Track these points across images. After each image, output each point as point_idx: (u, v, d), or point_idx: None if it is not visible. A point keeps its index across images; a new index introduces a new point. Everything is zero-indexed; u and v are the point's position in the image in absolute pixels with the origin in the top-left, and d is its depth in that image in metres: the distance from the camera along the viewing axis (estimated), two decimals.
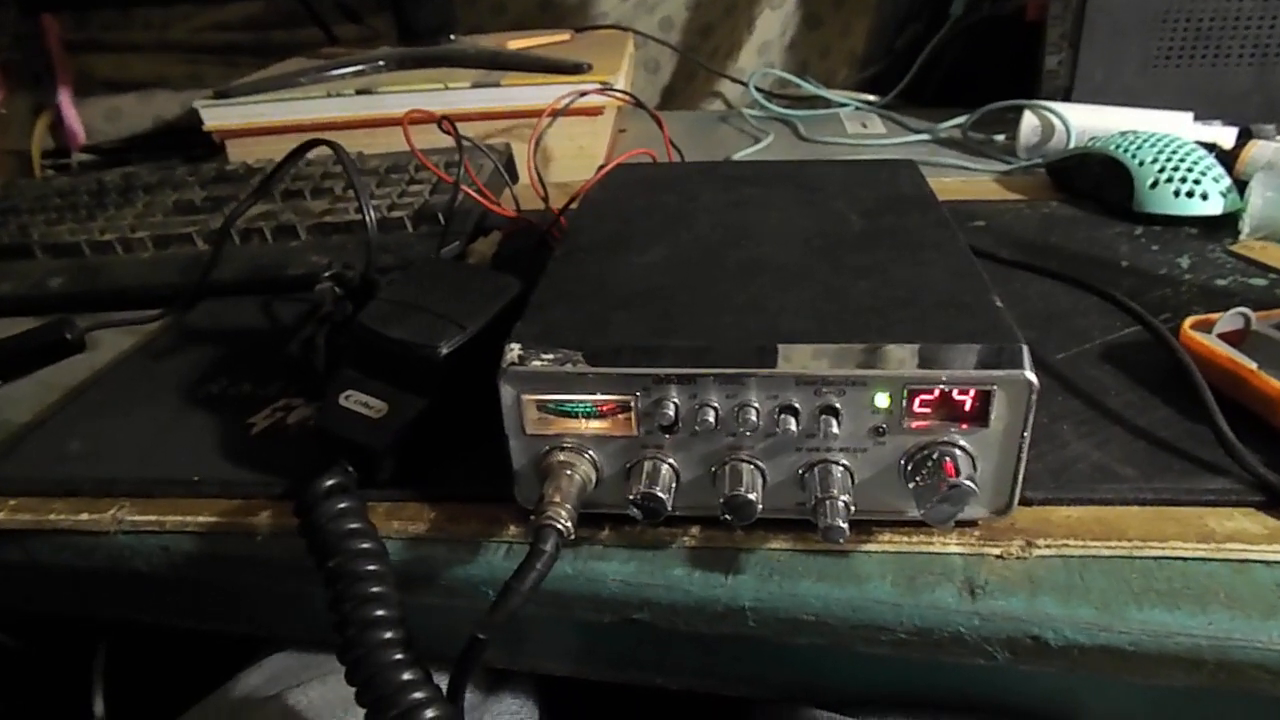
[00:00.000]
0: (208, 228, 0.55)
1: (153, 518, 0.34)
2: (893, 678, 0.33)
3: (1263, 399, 0.33)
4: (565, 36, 0.84)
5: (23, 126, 0.91)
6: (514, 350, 0.29)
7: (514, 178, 0.63)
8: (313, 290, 0.42)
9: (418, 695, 0.27)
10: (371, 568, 0.30)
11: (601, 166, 0.45)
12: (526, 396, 0.29)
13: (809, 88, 0.86)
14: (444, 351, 0.33)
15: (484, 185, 0.53)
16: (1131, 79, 0.69)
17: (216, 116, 0.69)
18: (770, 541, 0.30)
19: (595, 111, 0.66)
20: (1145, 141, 0.56)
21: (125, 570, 0.35)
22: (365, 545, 0.30)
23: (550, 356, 0.29)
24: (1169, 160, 0.54)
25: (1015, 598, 0.28)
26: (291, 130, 0.69)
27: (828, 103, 0.85)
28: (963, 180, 0.65)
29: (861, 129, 0.79)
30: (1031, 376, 0.27)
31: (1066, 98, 0.71)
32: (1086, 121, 0.65)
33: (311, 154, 0.46)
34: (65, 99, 0.90)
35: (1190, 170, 0.53)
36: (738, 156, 0.71)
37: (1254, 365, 0.34)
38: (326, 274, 0.40)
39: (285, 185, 0.59)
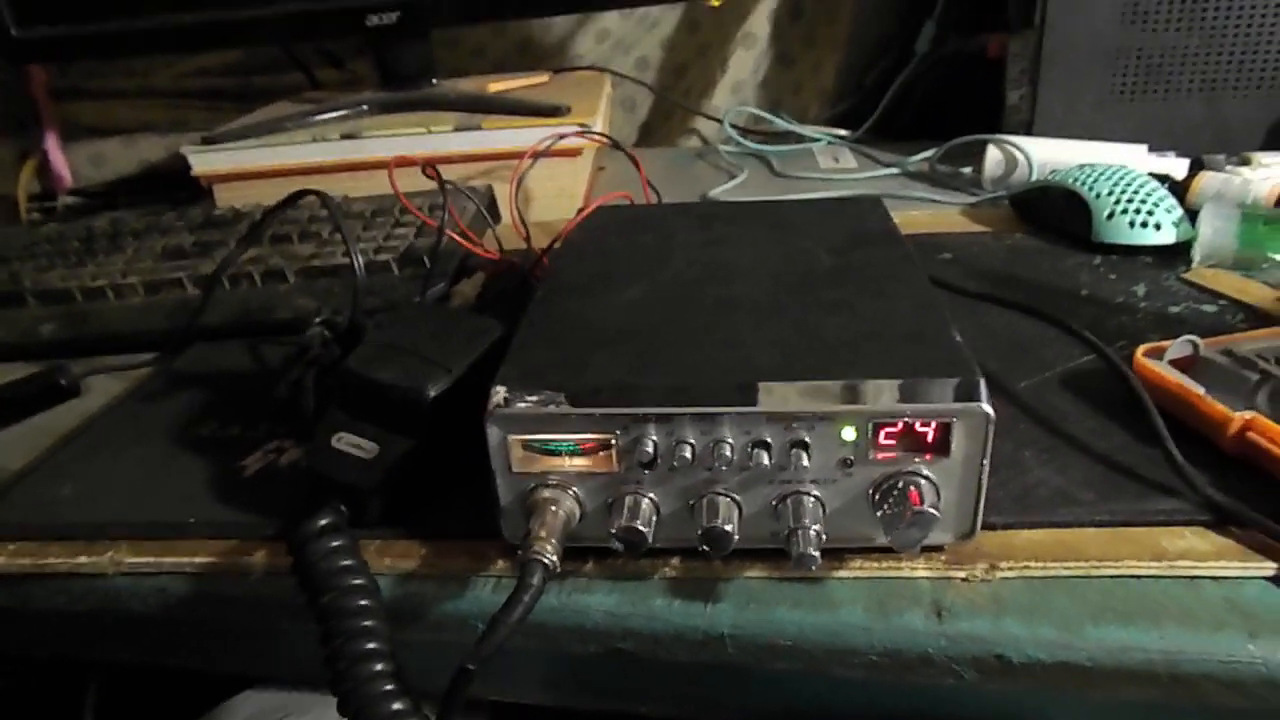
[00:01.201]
0: (197, 272, 0.56)
1: (149, 559, 0.35)
2: (868, 700, 0.34)
3: (1209, 423, 0.35)
4: (544, 78, 0.86)
5: (9, 172, 0.92)
6: (500, 393, 0.30)
7: (496, 218, 0.64)
8: (301, 334, 0.44)
9: None
10: (363, 603, 0.31)
11: (581, 209, 0.47)
12: (512, 436, 0.30)
13: (782, 124, 0.88)
14: (431, 394, 0.34)
15: (467, 227, 0.55)
16: (1089, 113, 0.72)
17: (204, 162, 0.70)
18: (747, 570, 0.32)
19: (574, 153, 0.68)
20: (1102, 174, 0.58)
21: (120, 612, 0.36)
22: (357, 581, 0.31)
23: (534, 398, 0.30)
24: (1124, 192, 0.57)
25: (980, 619, 0.29)
26: (278, 174, 0.70)
27: (800, 138, 0.88)
28: (931, 213, 0.67)
29: (834, 163, 0.82)
30: (988, 409, 0.29)
31: (1028, 131, 0.74)
32: (1047, 154, 0.68)
33: (299, 201, 0.47)
34: (52, 144, 0.91)
35: (1144, 202, 0.56)
36: (714, 193, 0.74)
37: (1201, 390, 0.36)
38: (318, 319, 0.41)
39: (273, 230, 0.60)
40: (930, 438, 0.29)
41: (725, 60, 0.93)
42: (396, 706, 0.28)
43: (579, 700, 0.38)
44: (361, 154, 0.69)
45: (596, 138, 0.66)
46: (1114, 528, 0.32)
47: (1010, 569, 0.31)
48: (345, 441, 0.35)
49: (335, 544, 0.32)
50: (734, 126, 0.88)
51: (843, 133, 0.89)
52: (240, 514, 0.37)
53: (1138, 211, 0.55)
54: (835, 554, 0.32)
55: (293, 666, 0.40)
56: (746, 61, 0.93)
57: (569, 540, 0.31)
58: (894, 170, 0.78)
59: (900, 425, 0.29)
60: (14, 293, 0.55)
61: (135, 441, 0.43)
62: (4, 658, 0.42)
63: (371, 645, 0.29)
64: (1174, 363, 0.38)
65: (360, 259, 0.41)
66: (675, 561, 0.32)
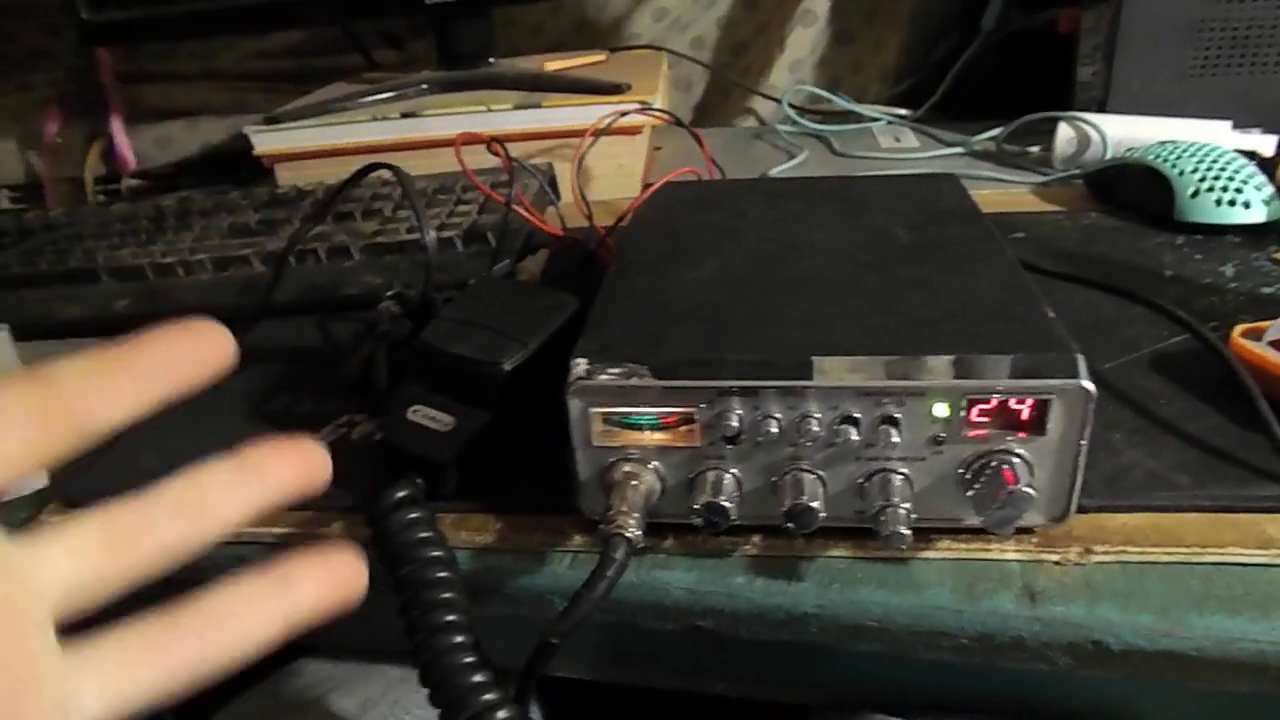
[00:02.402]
0: (263, 249, 0.56)
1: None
2: (949, 682, 0.33)
3: None
4: (601, 57, 0.86)
5: (76, 154, 0.95)
6: (581, 365, 0.30)
7: (556, 196, 0.64)
8: (372, 309, 0.44)
9: (489, 696, 0.28)
10: (442, 575, 0.31)
11: (648, 185, 0.46)
12: (593, 410, 0.30)
13: (841, 103, 0.86)
14: (507, 367, 0.34)
15: (530, 204, 0.55)
16: (1167, 88, 0.70)
17: (267, 142, 0.71)
18: (830, 549, 0.31)
19: (634, 131, 0.67)
20: (1184, 151, 0.56)
21: (201, 580, 0.36)
22: (436, 554, 0.31)
23: (616, 370, 0.30)
24: (1209, 169, 0.54)
25: (1075, 603, 0.28)
26: (338, 154, 0.71)
27: (860, 118, 0.86)
28: (1000, 192, 0.65)
29: (895, 143, 0.80)
30: (1088, 385, 0.28)
31: (1101, 108, 0.71)
32: (1123, 132, 0.65)
33: (366, 177, 0.47)
34: (117, 127, 0.93)
35: (1231, 179, 0.54)
36: (774, 172, 0.72)
37: None
38: (389, 294, 0.41)
39: (337, 207, 0.60)
40: (1025, 415, 0.28)
41: (783, 39, 0.91)
42: (478, 679, 0.28)
43: (650, 678, 0.37)
44: (421, 132, 0.69)
45: (658, 115, 0.65)
46: (1214, 513, 0.31)
47: (1106, 553, 0.30)
48: (421, 414, 0.35)
49: (414, 516, 0.32)
50: (792, 106, 0.87)
51: (903, 112, 0.87)
52: None
53: (1225, 189, 0.53)
54: (922, 534, 0.31)
55: (359, 635, 0.41)
56: (805, 40, 0.91)
57: (649, 516, 0.30)
58: (958, 150, 0.76)
59: (994, 402, 0.28)
60: (89, 269, 0.57)
61: (210, 414, 0.43)
62: (84, 624, 0.43)
63: (451, 617, 0.29)
64: (1274, 343, 0.37)
65: (433, 235, 0.40)
66: (756, 539, 0.32)
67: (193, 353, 0.24)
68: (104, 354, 0.22)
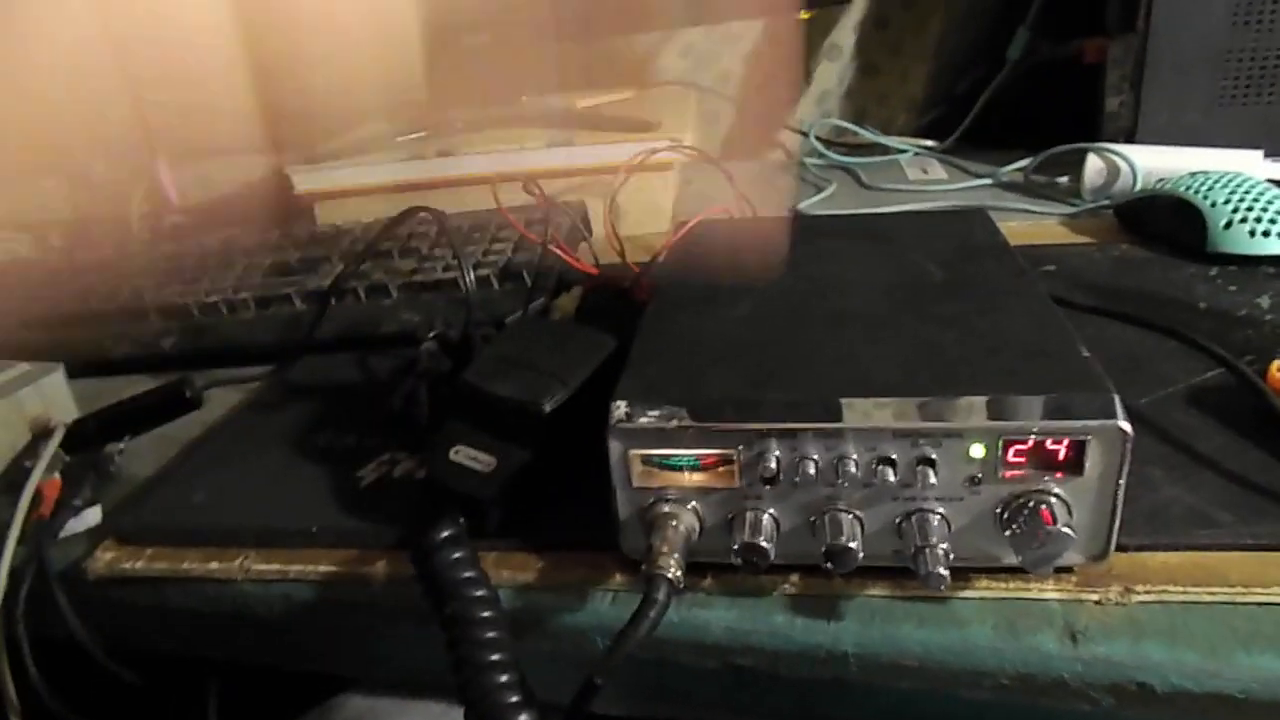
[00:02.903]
0: (304, 288, 0.58)
1: (276, 567, 0.36)
2: None
3: None
4: (630, 94, 0.87)
5: (121, 192, 0.98)
6: (621, 408, 0.31)
7: (589, 233, 0.65)
8: (410, 345, 0.45)
9: None
10: (487, 614, 0.31)
11: (682, 223, 0.47)
12: (633, 451, 0.30)
13: (868, 135, 0.87)
14: (548, 408, 0.35)
15: (563, 241, 0.56)
16: (1196, 118, 0.70)
17: (308, 182, 0.73)
18: (869, 588, 0.31)
19: (665, 167, 0.69)
20: (1216, 181, 0.56)
21: (247, 616, 0.37)
22: (480, 593, 0.32)
23: (656, 413, 0.30)
24: (1242, 200, 0.54)
25: (1117, 643, 0.28)
26: (376, 192, 0.72)
27: (886, 149, 0.87)
28: (1029, 224, 0.66)
29: (922, 174, 0.80)
30: (1125, 425, 0.28)
31: (1130, 139, 0.72)
32: (1153, 162, 0.65)
33: (408, 219, 0.49)
34: (161, 165, 0.96)
35: (1265, 209, 0.53)
36: (803, 206, 0.73)
37: None
38: (431, 334, 0.42)
39: (375, 247, 0.62)
40: (1062, 455, 0.29)
41: (809, 72, 0.92)
42: (524, 718, 0.28)
43: (686, 713, 0.37)
44: (456, 170, 0.71)
45: (690, 151, 0.66)
46: (1259, 552, 0.31)
47: (1148, 592, 0.30)
48: (463, 454, 0.36)
49: (458, 555, 0.33)
50: (819, 139, 0.88)
51: (930, 143, 0.88)
52: (358, 522, 0.38)
53: (1259, 220, 0.53)
54: (960, 573, 0.31)
55: (400, 671, 0.41)
56: (831, 73, 0.92)
57: (688, 556, 0.31)
58: (986, 181, 0.77)
59: (1031, 443, 0.29)
60: (139, 308, 0.58)
61: (256, 451, 0.45)
62: (138, 655, 0.44)
63: (497, 656, 0.30)
64: None
65: (472, 275, 0.41)
66: (795, 578, 0.32)
67: None
68: None
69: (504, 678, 0.30)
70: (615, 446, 0.31)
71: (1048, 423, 0.28)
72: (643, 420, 0.30)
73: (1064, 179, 0.73)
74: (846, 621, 0.30)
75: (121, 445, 0.45)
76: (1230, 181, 0.56)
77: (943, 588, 0.29)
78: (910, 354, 0.32)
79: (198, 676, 0.49)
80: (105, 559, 0.38)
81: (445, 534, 0.33)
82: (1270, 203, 0.54)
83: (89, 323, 0.59)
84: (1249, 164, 0.63)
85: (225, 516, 0.39)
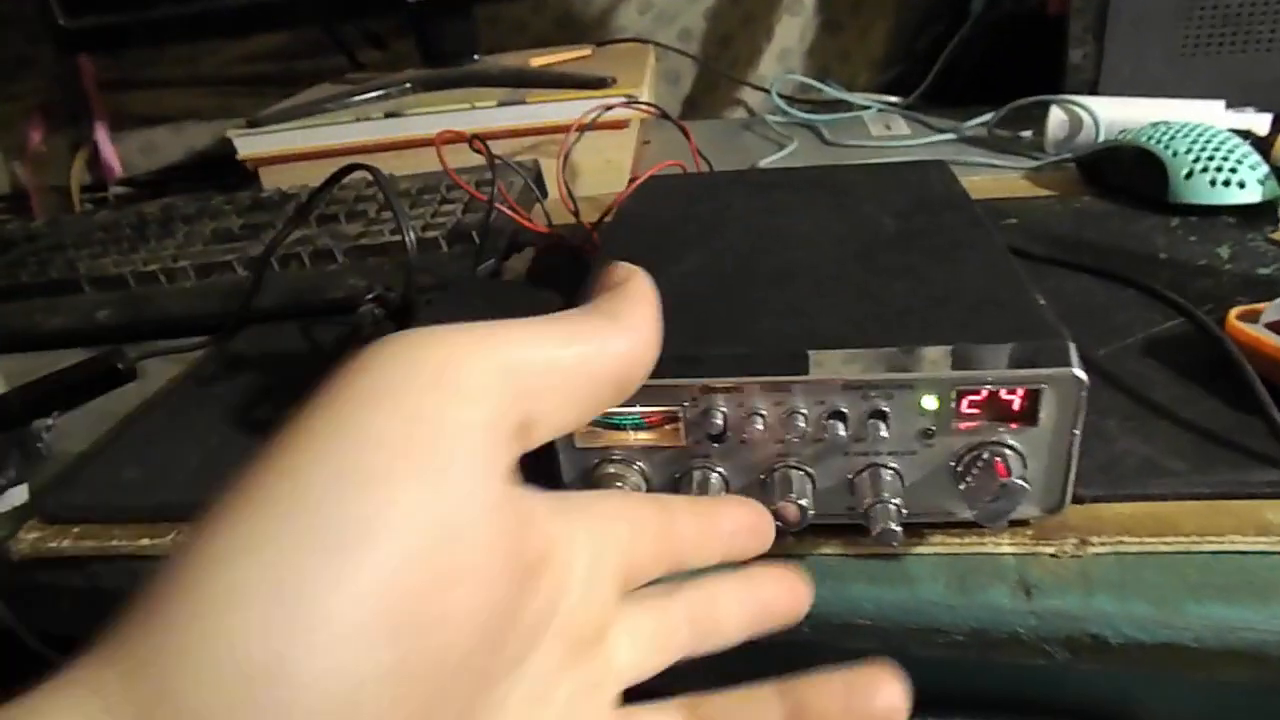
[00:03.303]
0: (247, 255, 0.56)
1: None
2: (945, 679, 0.33)
3: None
4: (586, 52, 0.85)
5: (61, 163, 0.94)
6: None
7: (543, 193, 0.63)
8: (354, 313, 0.43)
9: None
10: None
11: (632, 179, 0.46)
12: None
13: (831, 92, 0.86)
14: None
15: (515, 202, 0.54)
16: (1159, 69, 0.69)
17: (249, 145, 0.70)
18: (821, 547, 0.31)
19: (620, 125, 0.67)
20: (1178, 132, 0.56)
21: None
22: None
23: None
24: (1203, 150, 0.54)
25: (1071, 596, 0.28)
26: (322, 156, 0.70)
27: (850, 106, 0.85)
28: (991, 178, 0.65)
29: (885, 131, 0.79)
30: (1081, 373, 0.27)
31: (1093, 91, 0.71)
32: (1115, 114, 0.64)
33: (345, 178, 0.47)
34: (102, 135, 0.93)
35: (1226, 159, 0.53)
36: (764, 163, 0.72)
37: None
38: (369, 296, 0.40)
39: (320, 210, 0.60)
40: (1017, 406, 0.28)
41: (770, 28, 0.90)
42: None
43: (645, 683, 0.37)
44: (405, 132, 0.69)
45: (644, 108, 0.64)
46: (1211, 500, 0.30)
47: (1102, 544, 0.29)
48: None
49: None
50: (781, 96, 0.86)
51: (894, 99, 0.86)
52: None
53: (1219, 169, 0.52)
54: (914, 529, 0.30)
55: None
56: (792, 29, 0.90)
57: None
58: (950, 136, 0.75)
59: (984, 393, 0.28)
60: (71, 279, 0.56)
61: (193, 424, 0.43)
62: (73, 640, 0.42)
63: None
64: (1271, 325, 0.36)
65: (413, 235, 0.40)
66: None
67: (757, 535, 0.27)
68: (704, 505, 0.26)
69: None
70: None
71: (1001, 371, 0.27)
72: None
73: (1027, 133, 0.72)
74: None
75: (50, 421, 0.43)
76: (1192, 132, 0.55)
77: (895, 544, 0.28)
78: (860, 306, 0.31)
79: None
80: (29, 539, 0.36)
81: None
82: (1231, 152, 0.53)
83: (19, 295, 0.56)
84: (1211, 114, 0.62)
85: (159, 492, 0.38)
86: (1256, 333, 0.35)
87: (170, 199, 0.72)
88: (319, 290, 0.53)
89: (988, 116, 0.74)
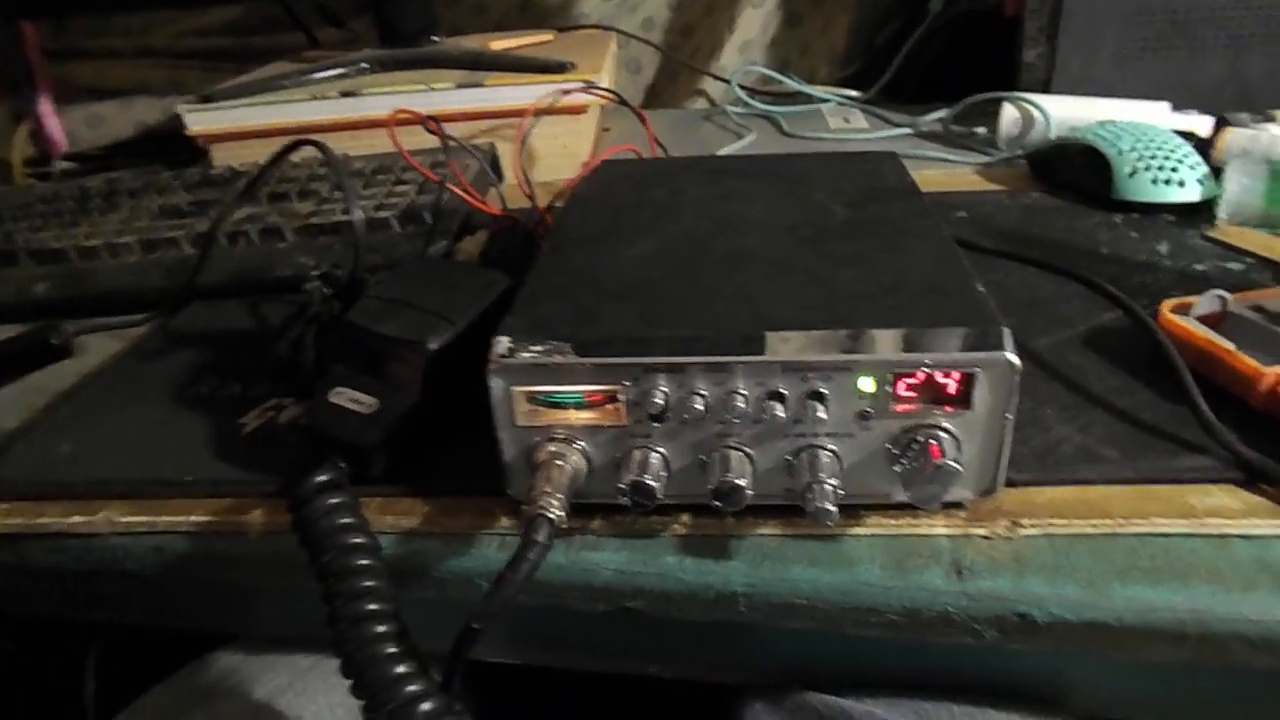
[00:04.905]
0: (194, 231, 0.55)
1: (145, 518, 0.34)
2: (883, 659, 0.33)
3: (1240, 379, 0.34)
4: (548, 37, 0.84)
5: (2, 135, 0.91)
6: (503, 343, 0.29)
7: (500, 177, 0.63)
8: (301, 290, 0.43)
9: (413, 688, 0.27)
10: (364, 562, 0.30)
11: (587, 163, 0.46)
12: (516, 388, 0.29)
13: (791, 84, 0.86)
14: (433, 347, 0.33)
15: (470, 184, 0.53)
16: (1109, 70, 0.70)
17: (200, 121, 0.69)
18: (760, 528, 0.31)
19: (579, 110, 0.66)
20: (1124, 131, 0.57)
21: (116, 571, 0.35)
22: (358, 540, 0.30)
23: (539, 348, 0.29)
24: (1147, 149, 0.55)
25: (1002, 577, 0.28)
26: (276, 134, 0.69)
27: (809, 99, 0.86)
28: (944, 172, 0.66)
29: (844, 124, 0.80)
30: (1013, 358, 0.28)
31: (1045, 90, 0.72)
32: (1065, 112, 0.66)
33: (297, 156, 0.46)
34: (46, 106, 0.90)
35: (1168, 158, 0.54)
36: (721, 152, 0.72)
37: (1231, 346, 0.34)
38: (315, 274, 0.40)
39: (271, 188, 0.59)
40: (952, 389, 0.28)
41: (733, 20, 0.90)
42: (401, 669, 0.27)
43: (583, 662, 0.37)
44: (361, 112, 0.67)
45: (601, 94, 0.64)
46: (1139, 485, 0.31)
47: (1033, 527, 0.30)
48: (344, 397, 0.34)
49: (334, 501, 0.31)
50: (742, 87, 0.86)
51: (853, 93, 0.87)
52: (238, 472, 0.36)
53: (1160, 168, 0.54)
54: (851, 510, 0.31)
55: (292, 626, 0.40)
56: (754, 21, 0.91)
57: (576, 497, 0.30)
58: (906, 130, 0.76)
59: (920, 376, 0.28)
60: (8, 252, 0.54)
61: (133, 400, 0.42)
62: (8, 621, 0.41)
63: (373, 606, 0.28)
64: (1202, 319, 0.37)
65: (360, 212, 0.39)
66: (685, 518, 0.31)
67: None
68: None
69: (381, 628, 0.28)
70: (497, 384, 0.29)
71: (937, 355, 0.28)
72: (525, 356, 0.29)
73: (981, 129, 0.73)
74: (737, 561, 0.30)
75: None
76: (1137, 131, 0.57)
77: (831, 524, 0.28)
78: (806, 291, 0.32)
79: (78, 642, 0.46)
80: None
81: (322, 479, 0.31)
82: (1172, 152, 0.55)
83: None
84: (1157, 115, 0.64)
85: (92, 468, 0.37)
86: (1188, 325, 0.36)
87: (116, 173, 0.70)
88: (267, 268, 0.52)
89: (943, 112, 0.75)
